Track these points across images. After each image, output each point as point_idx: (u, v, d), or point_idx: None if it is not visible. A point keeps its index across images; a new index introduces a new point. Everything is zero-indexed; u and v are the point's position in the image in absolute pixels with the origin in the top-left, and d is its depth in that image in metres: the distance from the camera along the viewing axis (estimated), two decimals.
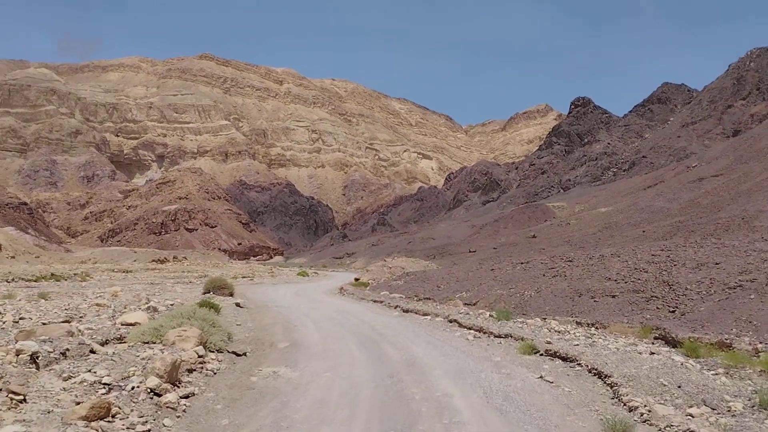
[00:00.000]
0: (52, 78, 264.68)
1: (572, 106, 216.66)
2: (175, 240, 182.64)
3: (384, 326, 19.18)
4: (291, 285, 46.43)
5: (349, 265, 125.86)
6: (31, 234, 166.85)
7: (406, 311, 24.35)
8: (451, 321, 20.23)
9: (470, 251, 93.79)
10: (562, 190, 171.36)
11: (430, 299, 29.52)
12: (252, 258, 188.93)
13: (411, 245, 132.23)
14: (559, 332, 17.13)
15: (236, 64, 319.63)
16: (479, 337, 16.90)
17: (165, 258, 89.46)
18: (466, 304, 26.20)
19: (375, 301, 29.25)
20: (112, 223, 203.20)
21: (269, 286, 43.82)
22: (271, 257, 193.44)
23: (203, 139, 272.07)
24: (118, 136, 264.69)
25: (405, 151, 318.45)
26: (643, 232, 68.52)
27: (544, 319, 21.25)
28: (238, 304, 23.96)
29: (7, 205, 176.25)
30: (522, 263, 29.14)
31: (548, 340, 15.10)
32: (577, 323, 20.61)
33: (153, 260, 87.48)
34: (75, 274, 44.40)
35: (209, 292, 28.75)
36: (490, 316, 20.32)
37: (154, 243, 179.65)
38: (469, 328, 18.50)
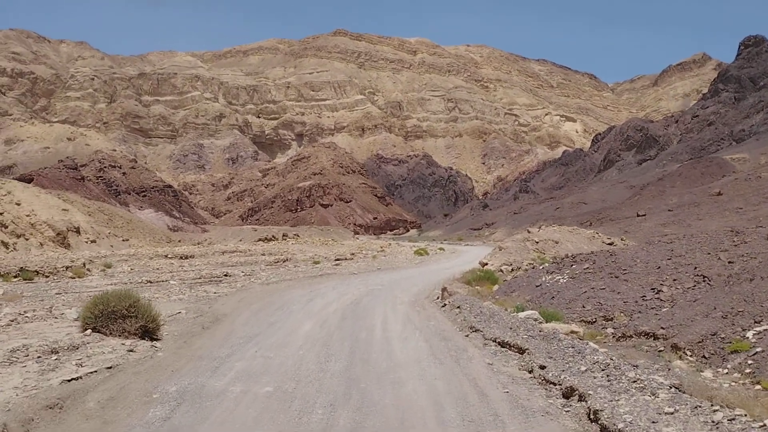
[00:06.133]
0: (197, 65, 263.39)
1: (741, 47, 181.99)
2: (310, 216, 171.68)
3: None
4: (380, 275, 28.54)
5: (487, 236, 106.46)
6: (175, 216, 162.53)
7: None
8: None
9: (638, 215, 71.35)
10: (734, 142, 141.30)
11: (656, 339, 10.31)
12: (388, 232, 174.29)
13: (559, 212, 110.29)
14: None
15: (369, 37, 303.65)
16: None
17: (273, 236, 74.97)
18: None
19: (501, 345, 10.62)
20: (252, 202, 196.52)
21: (340, 279, 26.18)
22: (408, 230, 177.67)
23: (339, 115, 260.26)
24: (259, 117, 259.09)
25: (546, 114, 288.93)
26: None
27: None
28: None
29: (152, 188, 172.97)
30: None
31: None
32: None
33: (259, 239, 73.25)
34: (67, 268, 29.05)
35: (89, 330, 11.33)
36: None
37: (291, 220, 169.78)
38: None
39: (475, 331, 12.19)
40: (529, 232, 37.71)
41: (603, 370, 8.09)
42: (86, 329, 11.24)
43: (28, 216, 57.26)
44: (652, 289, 13.62)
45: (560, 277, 16.46)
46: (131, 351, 10.36)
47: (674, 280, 13.84)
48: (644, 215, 70.12)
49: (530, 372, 8.92)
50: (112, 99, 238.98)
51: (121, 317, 11.29)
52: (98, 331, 11.17)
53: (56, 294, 20.11)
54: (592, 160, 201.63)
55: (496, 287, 19.09)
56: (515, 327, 11.61)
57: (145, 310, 11.59)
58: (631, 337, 10.92)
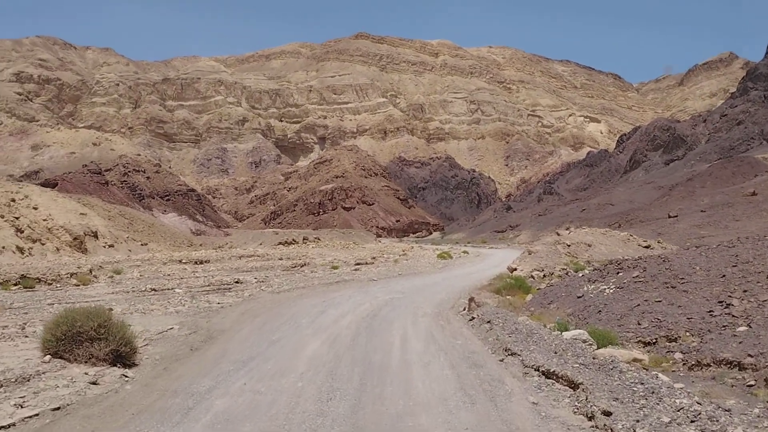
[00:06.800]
0: (220, 69, 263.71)
1: None
2: (332, 219, 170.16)
3: None
4: (401, 282, 26.47)
5: (512, 239, 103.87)
6: (198, 219, 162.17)
7: None
8: None
9: (670, 216, 68.40)
10: (765, 142, 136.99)
11: (742, 369, 8.14)
12: (411, 234, 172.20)
13: (585, 213, 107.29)
14: None
15: (391, 40, 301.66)
16: None
17: (293, 239, 73.28)
18: None
19: (546, 376, 8.47)
20: (274, 205, 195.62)
21: (357, 286, 24.18)
22: (431, 233, 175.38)
23: (362, 118, 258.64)
24: (281, 121, 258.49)
25: (570, 115, 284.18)
26: None
27: None
28: None
29: (176, 192, 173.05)
30: None
31: None
32: None
33: (279, 243, 71.63)
34: (72, 275, 27.44)
35: (49, 356, 9.50)
36: None
37: (313, 223, 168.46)
38: None
39: (512, 354, 10.12)
40: (558, 234, 35.41)
41: (693, 421, 5.99)
42: (47, 354, 9.40)
43: (45, 220, 56.21)
44: (720, 302, 11.44)
45: (605, 286, 14.28)
46: (94, 383, 8.49)
47: (744, 291, 11.65)
48: (676, 216, 67.19)
49: (590, 419, 6.84)
50: (137, 104, 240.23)
51: (89, 340, 9.43)
52: (61, 357, 9.33)
53: (48, 305, 18.40)
54: (617, 161, 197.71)
55: (529, 297, 16.97)
56: (561, 351, 9.52)
57: (117, 331, 9.72)
58: (708, 365, 8.78)
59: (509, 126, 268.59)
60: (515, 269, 25.68)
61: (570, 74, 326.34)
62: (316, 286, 24.03)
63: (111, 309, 16.73)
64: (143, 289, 22.74)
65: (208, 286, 24.17)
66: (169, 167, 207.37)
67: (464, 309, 16.44)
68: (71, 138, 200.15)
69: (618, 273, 15.03)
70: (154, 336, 12.21)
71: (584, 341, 10.14)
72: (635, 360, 8.98)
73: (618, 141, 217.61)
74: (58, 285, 26.26)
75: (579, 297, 14.39)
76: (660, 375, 7.98)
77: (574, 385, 7.95)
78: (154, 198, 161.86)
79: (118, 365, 9.49)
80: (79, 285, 26.42)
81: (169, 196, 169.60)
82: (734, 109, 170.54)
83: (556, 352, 9.55)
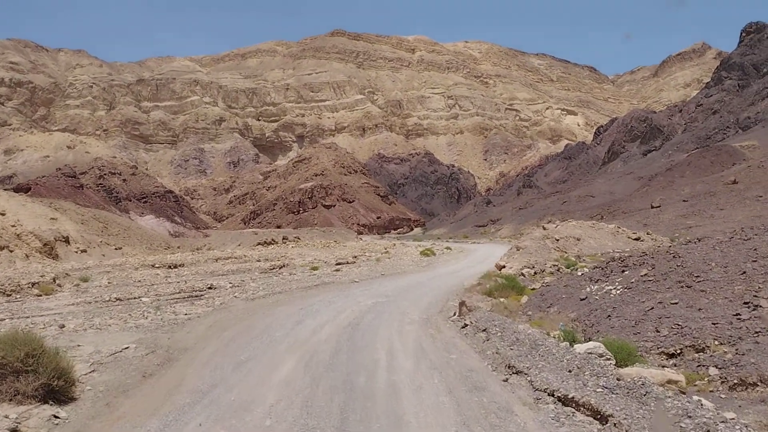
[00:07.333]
0: (195, 69, 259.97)
1: (743, 34, 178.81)
2: (313, 218, 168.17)
3: None
4: (384, 283, 24.89)
5: (493, 233, 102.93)
6: (176, 221, 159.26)
7: None
8: None
9: (653, 206, 67.67)
10: (740, 130, 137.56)
11: None
12: (392, 231, 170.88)
13: (566, 206, 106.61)
14: None
15: (367, 37, 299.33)
16: None
17: (273, 239, 71.45)
18: None
19: (563, 402, 6.98)
20: (253, 205, 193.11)
21: (338, 289, 22.57)
22: (412, 229, 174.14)
23: (340, 115, 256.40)
24: (259, 120, 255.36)
25: (547, 108, 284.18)
26: None
27: None
28: None
29: (153, 194, 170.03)
30: None
31: None
32: None
33: (258, 243, 69.76)
34: (34, 285, 25.53)
35: None
36: None
37: (293, 222, 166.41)
38: None
39: (517, 372, 8.66)
40: (545, 228, 34.09)
41: None
42: None
43: (13, 226, 53.85)
44: (745, 303, 10.07)
45: (611, 287, 12.88)
46: (13, 430, 6.87)
47: None
48: (659, 207, 66.45)
49: None
50: (112, 106, 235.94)
51: (14, 373, 7.79)
52: None
53: None
54: (595, 153, 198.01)
55: (524, 299, 15.54)
56: (576, 369, 8.06)
57: (50, 361, 8.08)
58: (754, 385, 7.37)
59: (487, 120, 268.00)
60: (503, 267, 24.28)
61: (546, 67, 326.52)
62: (294, 290, 22.39)
63: (63, 325, 15.06)
64: (107, 298, 20.97)
65: (179, 293, 22.46)
66: (146, 169, 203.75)
67: (455, 314, 14.98)
68: (45, 141, 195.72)
69: (623, 271, 13.65)
70: (104, 358, 10.57)
71: (601, 355, 8.69)
72: (670, 382, 7.56)
73: (595, 133, 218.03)
74: (18, 296, 24.37)
75: (582, 299, 12.97)
76: (703, 401, 6.55)
77: (601, 417, 6.49)
78: (131, 200, 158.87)
79: (51, 402, 7.87)
80: (40, 295, 24.57)
81: (147, 198, 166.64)
82: (709, 99, 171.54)
83: (570, 371, 8.10)
